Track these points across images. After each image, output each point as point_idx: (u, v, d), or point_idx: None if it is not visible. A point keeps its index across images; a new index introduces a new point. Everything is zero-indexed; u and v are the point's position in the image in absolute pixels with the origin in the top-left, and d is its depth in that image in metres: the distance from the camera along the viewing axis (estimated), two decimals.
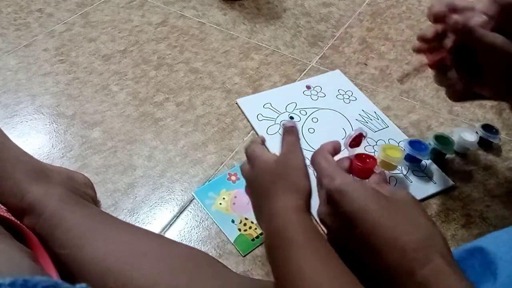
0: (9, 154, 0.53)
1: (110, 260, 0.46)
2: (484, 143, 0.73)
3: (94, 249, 0.47)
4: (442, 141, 0.69)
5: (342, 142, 0.71)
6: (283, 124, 0.52)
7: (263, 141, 0.55)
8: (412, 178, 0.67)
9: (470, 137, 0.70)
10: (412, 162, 0.69)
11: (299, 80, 0.85)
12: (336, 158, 0.72)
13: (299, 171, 0.47)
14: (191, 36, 0.95)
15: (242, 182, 0.66)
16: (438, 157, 0.70)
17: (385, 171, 0.68)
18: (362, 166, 0.65)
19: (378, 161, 0.67)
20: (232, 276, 0.50)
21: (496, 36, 0.50)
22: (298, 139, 0.50)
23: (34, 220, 0.51)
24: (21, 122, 0.76)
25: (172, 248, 0.51)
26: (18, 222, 0.54)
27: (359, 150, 0.68)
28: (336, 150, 0.52)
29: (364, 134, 0.67)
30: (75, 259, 0.47)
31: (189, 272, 0.47)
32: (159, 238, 0.56)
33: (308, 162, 0.49)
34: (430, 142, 0.69)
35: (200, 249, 0.59)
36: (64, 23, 0.97)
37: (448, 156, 0.70)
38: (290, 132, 0.51)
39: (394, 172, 0.68)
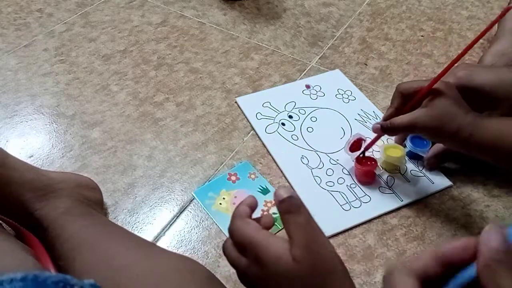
0: (14, 176, 0.52)
1: (95, 274, 0.46)
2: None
3: (83, 261, 0.48)
4: None
5: (340, 142, 0.72)
6: (276, 196, 0.36)
7: (253, 208, 0.39)
8: (410, 178, 0.67)
9: None
10: (414, 158, 0.69)
11: (299, 80, 0.85)
12: (341, 160, 0.72)
13: (337, 273, 0.34)
14: (191, 36, 0.95)
15: (242, 184, 0.67)
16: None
17: (387, 171, 0.68)
18: (363, 169, 0.65)
19: (380, 161, 0.67)
20: None
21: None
22: (309, 216, 0.34)
23: (41, 234, 0.52)
24: (21, 122, 0.76)
25: (159, 261, 0.49)
26: (17, 224, 0.55)
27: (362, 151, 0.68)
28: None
29: (364, 138, 0.67)
30: (69, 270, 0.48)
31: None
32: (147, 248, 0.53)
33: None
34: None
35: (200, 249, 0.59)
36: (64, 23, 0.97)
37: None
38: (294, 209, 0.34)
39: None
